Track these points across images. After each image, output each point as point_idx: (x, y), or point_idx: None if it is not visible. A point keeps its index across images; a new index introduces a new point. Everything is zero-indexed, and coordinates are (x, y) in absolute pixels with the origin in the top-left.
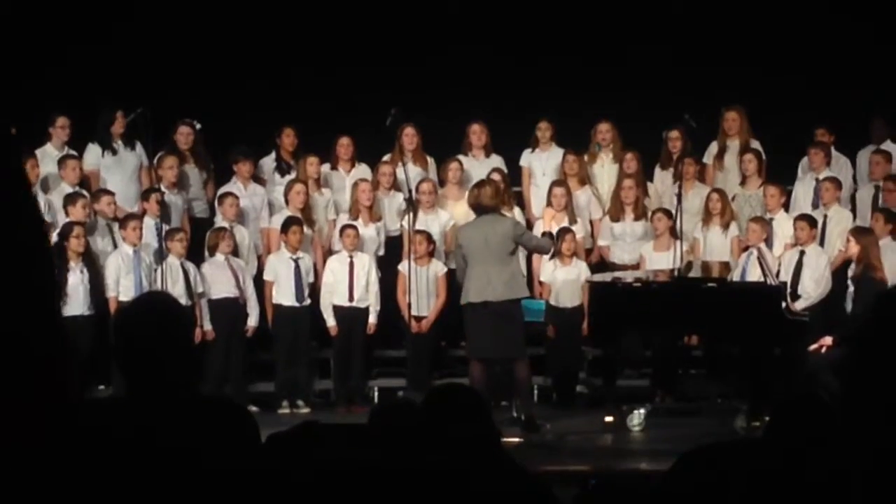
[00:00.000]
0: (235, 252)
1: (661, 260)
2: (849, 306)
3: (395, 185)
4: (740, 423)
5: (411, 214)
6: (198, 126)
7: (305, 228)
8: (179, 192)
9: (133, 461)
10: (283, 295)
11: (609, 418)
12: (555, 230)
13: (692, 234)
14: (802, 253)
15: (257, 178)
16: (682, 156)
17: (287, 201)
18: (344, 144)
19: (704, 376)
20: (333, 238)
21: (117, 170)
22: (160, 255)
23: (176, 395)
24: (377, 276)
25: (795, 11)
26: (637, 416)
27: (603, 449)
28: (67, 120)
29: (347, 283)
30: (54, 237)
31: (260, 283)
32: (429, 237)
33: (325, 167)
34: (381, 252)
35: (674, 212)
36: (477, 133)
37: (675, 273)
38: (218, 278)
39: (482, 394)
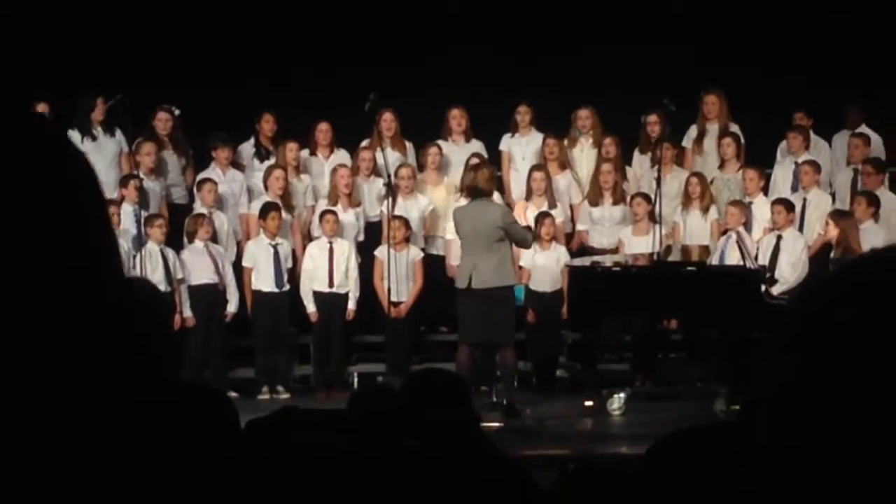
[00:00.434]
0: (214, 238)
1: (639, 244)
2: None
3: (375, 171)
4: (720, 406)
5: (390, 200)
6: (176, 112)
7: (284, 214)
8: (158, 178)
9: (113, 448)
10: (263, 281)
11: (589, 402)
12: (532, 215)
13: (671, 218)
14: (780, 237)
15: (236, 164)
16: (661, 140)
17: (266, 187)
18: (323, 130)
19: (684, 360)
20: (313, 224)
21: (96, 156)
22: (139, 242)
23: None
24: (357, 261)
25: None
26: (617, 401)
27: (583, 433)
28: (46, 106)
29: (327, 268)
30: None
31: (239, 269)
32: (406, 223)
33: (304, 153)
34: (361, 238)
35: (652, 196)
36: (457, 118)
37: (655, 257)
38: (197, 264)
39: (464, 378)
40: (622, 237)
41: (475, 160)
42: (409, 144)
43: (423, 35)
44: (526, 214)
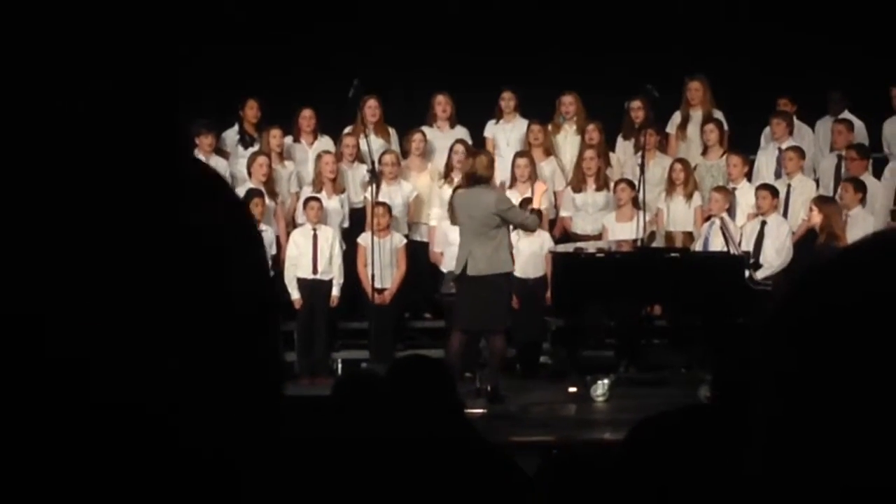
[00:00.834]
0: None
1: (623, 230)
2: None
3: (359, 157)
4: (704, 392)
5: (374, 186)
6: None
7: (268, 201)
8: None
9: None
10: None
11: (573, 389)
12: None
13: (654, 204)
14: (764, 223)
15: (219, 151)
16: (645, 126)
17: (250, 174)
18: (306, 117)
19: (668, 346)
20: (297, 210)
21: None
22: None
23: None
24: (341, 248)
25: None
26: (601, 387)
27: (567, 419)
28: None
29: (311, 255)
30: None
31: None
32: (389, 209)
33: (288, 139)
34: (346, 224)
35: (636, 182)
36: (442, 104)
37: (638, 243)
38: None
39: (453, 364)
40: (605, 223)
41: (459, 146)
42: (392, 131)
43: (407, 21)
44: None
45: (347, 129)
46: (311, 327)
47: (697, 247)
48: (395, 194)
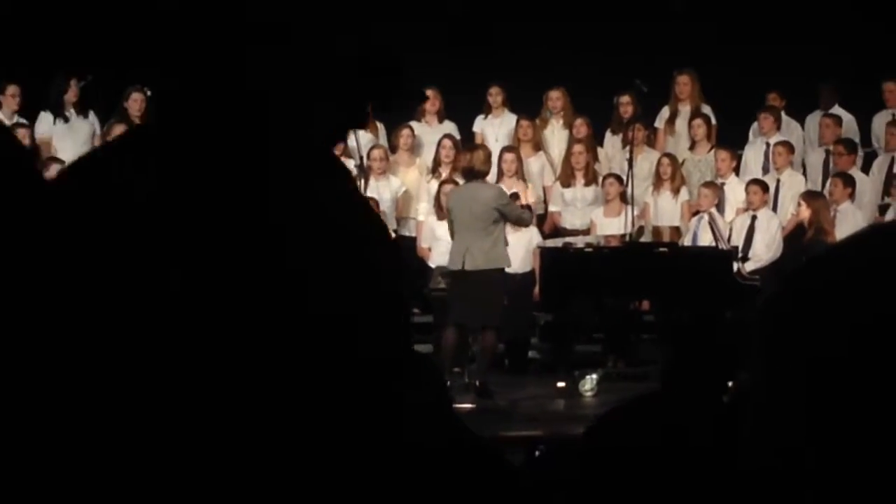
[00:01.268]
0: None
1: (611, 225)
2: None
3: (346, 152)
4: None
5: (362, 181)
6: (149, 93)
7: None
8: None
9: None
10: None
11: (561, 384)
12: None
13: (642, 199)
14: (754, 217)
15: None
16: (633, 121)
17: None
18: None
19: (656, 341)
20: None
21: (69, 138)
22: None
23: None
24: None
25: None
26: (589, 381)
27: (555, 414)
28: (18, 88)
29: None
30: None
31: None
32: (377, 204)
33: None
34: None
35: (624, 177)
36: (430, 99)
37: (627, 238)
38: None
39: (447, 359)
40: (593, 218)
41: (447, 141)
42: (380, 125)
43: (394, 15)
44: (527, 194)
45: None
46: None
47: (686, 242)
48: (383, 189)
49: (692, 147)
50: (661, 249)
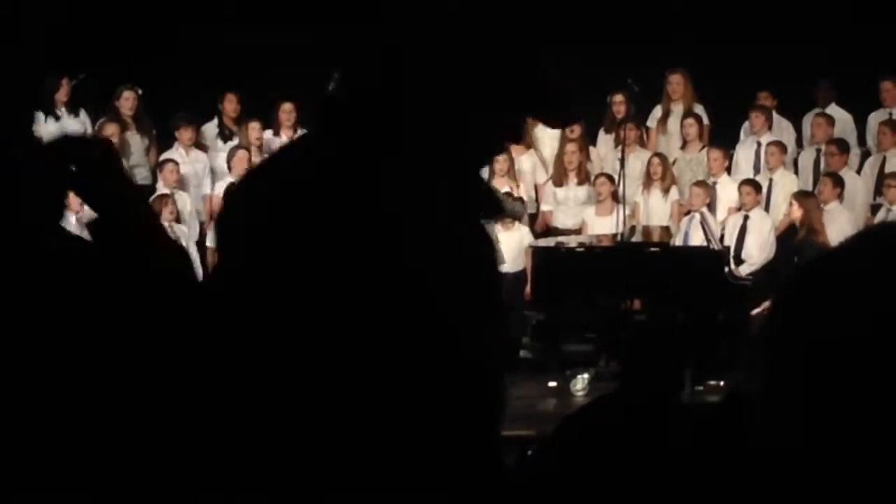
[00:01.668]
0: (178, 219)
1: (602, 224)
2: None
3: None
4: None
5: None
6: (139, 91)
7: None
8: (121, 159)
9: None
10: None
11: (553, 383)
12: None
13: (634, 198)
14: (747, 217)
15: (199, 145)
16: (625, 120)
17: (230, 168)
18: (286, 111)
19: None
20: None
21: None
22: None
23: None
24: None
25: None
26: (581, 381)
27: (546, 414)
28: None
29: None
30: None
31: (202, 250)
32: None
33: (268, 133)
34: None
35: (616, 177)
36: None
37: (619, 238)
38: None
39: None
40: (585, 217)
41: None
42: None
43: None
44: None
45: None
46: None
47: (677, 241)
48: None
49: (684, 146)
50: (653, 249)
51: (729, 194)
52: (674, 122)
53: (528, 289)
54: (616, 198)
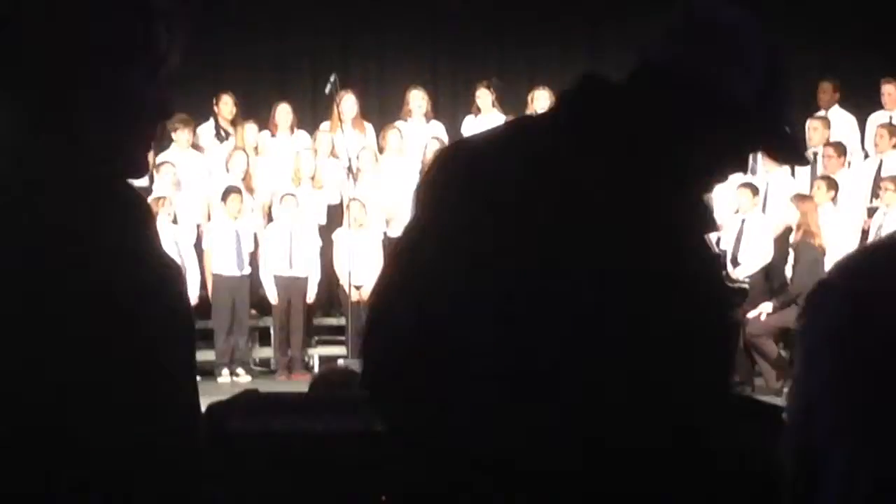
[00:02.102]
0: (174, 220)
1: None
2: (789, 273)
3: (335, 153)
4: None
5: (351, 182)
6: None
7: (245, 196)
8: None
9: None
10: (223, 263)
11: None
12: None
13: None
14: (744, 221)
15: (195, 146)
16: None
17: (227, 169)
18: (283, 112)
19: None
20: (273, 206)
21: None
22: None
23: None
24: (317, 244)
25: None
26: None
27: None
28: None
29: (287, 251)
30: None
31: (199, 252)
32: (364, 204)
33: (264, 134)
34: (323, 220)
35: None
36: (417, 99)
37: None
38: None
39: None
40: None
41: (435, 142)
42: (369, 126)
43: (385, 17)
44: None
45: (324, 125)
46: (289, 323)
47: None
48: (372, 190)
49: None
50: None
51: (725, 197)
52: None
53: None
54: None
